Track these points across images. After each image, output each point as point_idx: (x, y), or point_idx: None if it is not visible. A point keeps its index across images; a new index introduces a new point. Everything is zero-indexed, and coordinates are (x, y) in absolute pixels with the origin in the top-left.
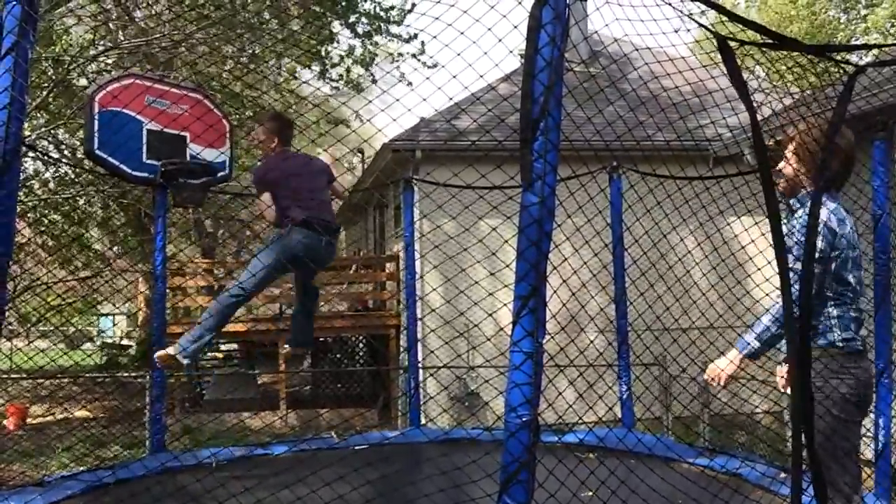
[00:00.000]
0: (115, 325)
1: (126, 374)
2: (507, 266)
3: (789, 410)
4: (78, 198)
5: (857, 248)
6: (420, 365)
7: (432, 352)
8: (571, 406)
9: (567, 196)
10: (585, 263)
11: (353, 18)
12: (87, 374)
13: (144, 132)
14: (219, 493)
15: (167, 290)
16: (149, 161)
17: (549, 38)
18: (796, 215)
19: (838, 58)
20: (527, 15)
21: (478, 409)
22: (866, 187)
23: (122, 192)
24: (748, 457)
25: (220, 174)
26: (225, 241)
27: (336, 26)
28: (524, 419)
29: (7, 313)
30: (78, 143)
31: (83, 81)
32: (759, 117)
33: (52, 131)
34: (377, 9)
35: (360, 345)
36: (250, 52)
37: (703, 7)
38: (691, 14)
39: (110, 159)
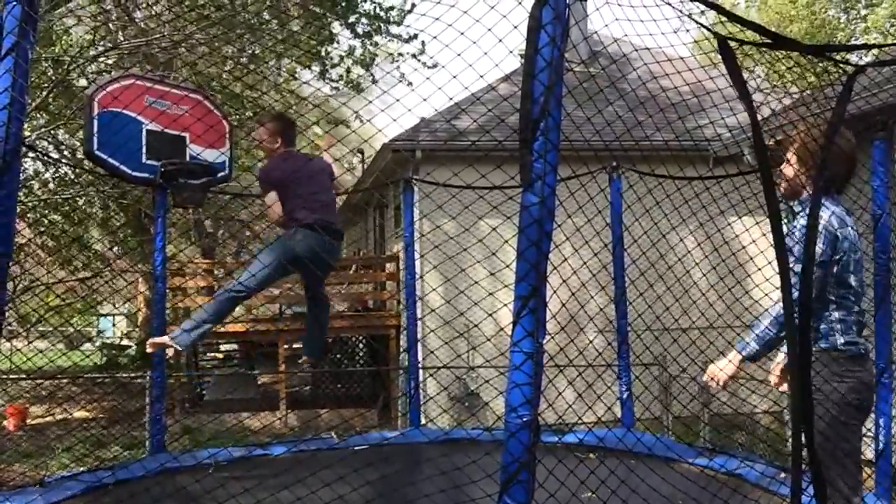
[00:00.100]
0: (114, 325)
1: (126, 375)
2: (508, 266)
3: (789, 410)
4: (78, 198)
5: (859, 251)
6: (420, 365)
7: (432, 352)
8: (571, 406)
9: (567, 196)
10: (585, 263)
11: (352, 19)
12: (87, 375)
13: (144, 133)
14: (218, 494)
15: (167, 291)
16: (148, 161)
17: (549, 38)
18: (798, 218)
19: (838, 58)
20: (527, 15)
21: (478, 409)
22: (866, 187)
23: (122, 192)
24: (748, 456)
25: (220, 174)
26: (225, 241)
27: (336, 27)
28: (524, 419)
29: (7, 314)
30: (78, 144)
31: (83, 82)
32: (758, 117)
33: (52, 132)
34: (377, 9)
35: (360, 345)
36: (250, 52)
37: (703, 7)
38: (691, 14)
39: (110, 160)
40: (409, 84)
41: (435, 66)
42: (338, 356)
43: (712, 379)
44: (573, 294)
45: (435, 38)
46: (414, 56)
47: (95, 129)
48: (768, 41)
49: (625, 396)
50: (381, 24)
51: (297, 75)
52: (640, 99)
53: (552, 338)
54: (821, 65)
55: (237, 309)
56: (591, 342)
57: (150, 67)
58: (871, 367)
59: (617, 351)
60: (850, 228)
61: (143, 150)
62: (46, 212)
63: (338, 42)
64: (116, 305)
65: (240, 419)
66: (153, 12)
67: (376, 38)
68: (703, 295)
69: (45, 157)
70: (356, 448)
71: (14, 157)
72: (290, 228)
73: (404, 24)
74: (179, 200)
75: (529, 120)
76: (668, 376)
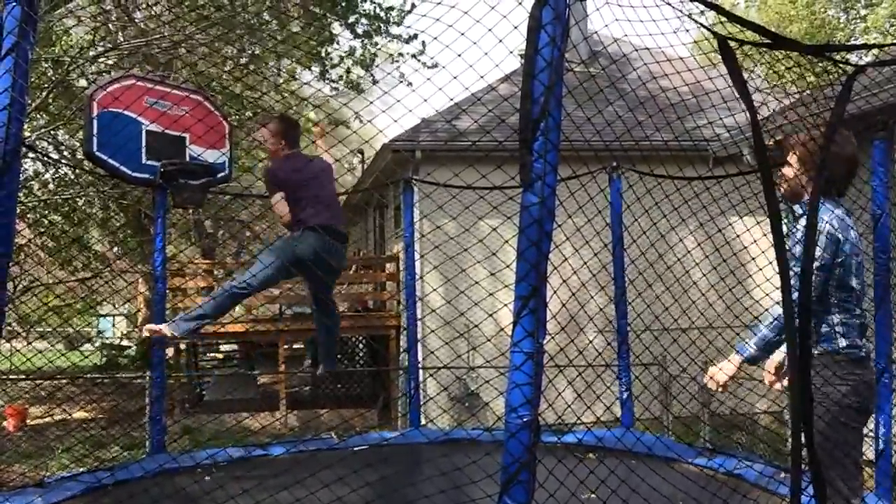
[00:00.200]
0: (114, 326)
1: (125, 375)
2: (508, 266)
3: (789, 410)
4: (78, 199)
5: (860, 254)
6: (420, 365)
7: (432, 352)
8: (570, 406)
9: (567, 196)
10: (585, 263)
11: (352, 19)
12: (87, 376)
13: (144, 133)
14: (218, 495)
15: (167, 291)
16: (148, 162)
17: (549, 38)
18: (799, 220)
19: (837, 58)
20: (527, 15)
21: (478, 409)
22: (866, 187)
23: (122, 193)
24: (747, 456)
25: (220, 175)
26: (225, 241)
27: (336, 27)
28: (525, 419)
29: (6, 314)
30: (78, 144)
31: (83, 82)
32: (758, 117)
33: (51, 132)
34: (377, 9)
35: (360, 345)
36: (250, 53)
37: (703, 7)
38: (691, 14)
39: (110, 160)
40: (410, 84)
41: (435, 66)
42: (338, 356)
43: (712, 380)
44: (573, 294)
45: (435, 38)
46: (414, 56)
47: (95, 129)
48: (768, 41)
49: (624, 396)
50: (381, 25)
51: (297, 76)
52: (640, 99)
53: (552, 338)
54: (821, 65)
55: (237, 309)
56: (590, 342)
57: (150, 68)
58: (872, 370)
59: (617, 351)
60: (851, 231)
61: (143, 150)
62: (46, 212)
63: (338, 42)
64: (116, 306)
65: (240, 419)
66: (153, 13)
67: (376, 39)
68: (702, 295)
69: (45, 158)
70: (356, 448)
71: (14, 158)
72: (295, 230)
73: (404, 25)
74: (179, 201)
75: (529, 120)
76: (667, 376)
